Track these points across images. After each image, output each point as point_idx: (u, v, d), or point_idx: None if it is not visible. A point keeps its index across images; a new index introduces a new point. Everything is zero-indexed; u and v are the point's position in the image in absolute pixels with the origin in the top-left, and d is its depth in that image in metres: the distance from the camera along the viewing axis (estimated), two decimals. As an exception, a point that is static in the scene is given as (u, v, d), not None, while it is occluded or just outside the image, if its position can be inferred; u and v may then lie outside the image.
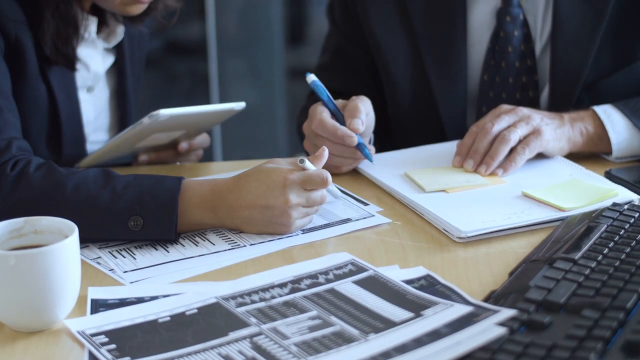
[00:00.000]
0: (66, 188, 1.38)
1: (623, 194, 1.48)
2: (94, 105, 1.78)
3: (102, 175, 1.41)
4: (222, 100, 3.90)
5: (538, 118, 1.62)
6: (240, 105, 1.69)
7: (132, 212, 1.37)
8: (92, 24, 1.68)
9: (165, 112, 1.56)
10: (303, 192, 1.40)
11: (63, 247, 1.15)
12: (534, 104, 1.84)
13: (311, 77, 1.64)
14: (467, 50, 1.85)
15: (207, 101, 3.76)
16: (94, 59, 1.73)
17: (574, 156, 1.67)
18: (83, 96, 1.74)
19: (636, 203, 1.46)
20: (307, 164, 1.42)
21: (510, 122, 1.61)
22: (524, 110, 1.63)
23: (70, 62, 1.65)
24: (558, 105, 1.78)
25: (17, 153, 1.45)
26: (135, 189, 1.39)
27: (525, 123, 1.60)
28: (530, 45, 1.82)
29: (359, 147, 1.59)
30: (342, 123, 1.60)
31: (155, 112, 1.56)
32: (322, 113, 1.59)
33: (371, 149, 1.64)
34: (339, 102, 1.64)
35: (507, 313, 1.09)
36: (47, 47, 1.60)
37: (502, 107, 1.65)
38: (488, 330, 1.07)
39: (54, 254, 1.14)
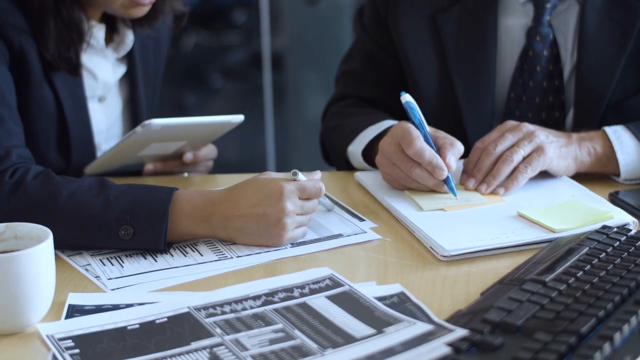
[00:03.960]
0: (60, 196, 1.42)
1: (619, 217, 1.46)
2: (106, 115, 1.83)
3: (97, 184, 1.45)
4: (293, 112, 3.96)
5: (543, 135, 1.60)
6: (238, 118, 1.71)
7: (123, 221, 1.40)
8: (100, 31, 1.73)
9: (158, 121, 1.60)
10: (298, 201, 1.42)
11: (35, 252, 1.19)
12: (559, 124, 1.82)
13: (406, 98, 1.62)
14: (496, 67, 1.83)
15: (275, 112, 3.83)
16: (103, 69, 1.78)
17: (584, 177, 1.65)
18: (94, 106, 1.79)
19: (630, 227, 1.43)
20: (300, 175, 1.44)
21: (514, 140, 1.60)
22: (529, 127, 1.61)
23: (72, 67, 1.69)
24: (582, 125, 1.76)
25: (17, 161, 1.50)
26: (127, 198, 1.42)
27: (528, 141, 1.59)
28: (559, 66, 1.80)
29: (445, 180, 1.56)
30: (432, 148, 1.57)
31: (147, 121, 1.60)
32: (419, 138, 1.56)
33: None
34: (429, 130, 1.62)
35: (459, 333, 1.09)
36: (49, 52, 1.65)
37: (507, 124, 1.63)
38: (435, 349, 1.07)
39: (26, 259, 1.18)
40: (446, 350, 1.05)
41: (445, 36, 1.83)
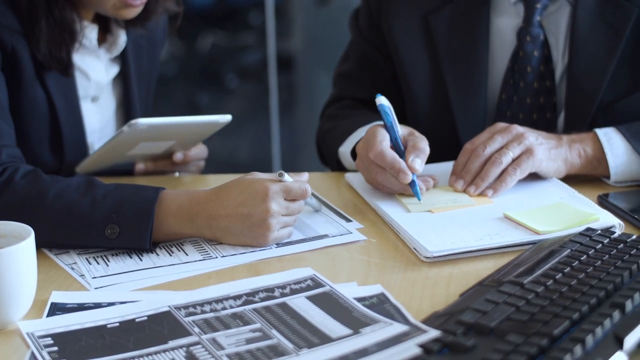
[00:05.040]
0: (48, 195, 1.44)
1: (605, 219, 1.45)
2: (100, 115, 1.84)
3: (85, 183, 1.46)
4: (304, 113, 3.97)
5: (532, 137, 1.60)
6: (225, 118, 1.72)
7: (109, 220, 1.41)
8: (92, 31, 1.74)
9: (144, 121, 1.61)
10: (283, 202, 1.43)
11: (16, 250, 1.20)
12: (551, 125, 1.81)
13: (380, 100, 1.62)
14: (488, 68, 1.83)
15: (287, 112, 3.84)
16: (95, 69, 1.79)
17: (576, 179, 1.64)
18: (87, 106, 1.81)
19: (615, 229, 1.43)
20: (286, 177, 1.44)
21: (504, 142, 1.59)
22: (519, 129, 1.61)
23: (64, 66, 1.71)
24: (573, 126, 1.76)
25: (6, 160, 1.52)
26: (114, 197, 1.43)
27: (517, 143, 1.59)
28: (550, 67, 1.80)
29: (410, 184, 1.56)
30: (401, 151, 1.58)
31: (134, 120, 1.61)
32: (382, 142, 1.56)
33: (422, 187, 1.59)
34: (402, 130, 1.62)
35: (432, 334, 1.09)
36: (40, 52, 1.66)
37: (497, 125, 1.63)
38: (406, 350, 1.07)
39: (6, 257, 1.19)
40: (418, 350, 1.06)
41: (438, 36, 1.83)
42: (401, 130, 1.61)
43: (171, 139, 1.76)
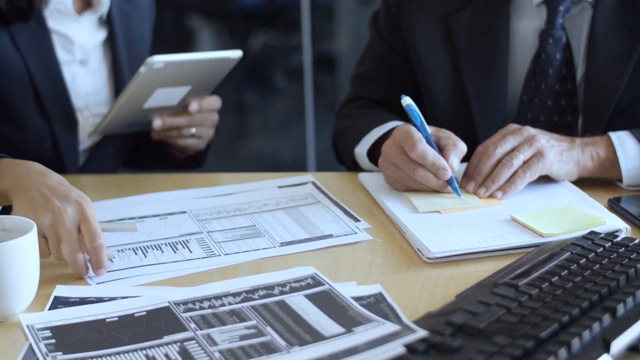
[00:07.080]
0: None
1: (611, 223, 1.44)
2: (92, 79, 1.87)
3: None
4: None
5: (544, 140, 1.59)
6: (236, 53, 1.76)
7: None
8: None
9: (160, 58, 1.65)
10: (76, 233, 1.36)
11: (18, 244, 1.22)
12: (572, 127, 1.80)
13: (406, 101, 1.63)
14: (508, 70, 1.83)
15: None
16: (77, 32, 1.83)
17: (591, 182, 1.63)
18: (77, 69, 1.85)
19: (621, 233, 1.41)
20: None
21: (515, 143, 1.59)
22: (531, 131, 1.60)
23: (24, 15, 1.73)
24: (590, 129, 1.74)
25: None
26: None
27: (528, 145, 1.58)
28: (572, 69, 1.79)
29: (449, 180, 1.57)
30: (434, 149, 1.59)
31: (149, 58, 1.64)
32: (422, 140, 1.57)
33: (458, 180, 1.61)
34: (432, 130, 1.63)
35: (420, 334, 1.09)
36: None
37: (509, 127, 1.63)
38: (392, 349, 1.08)
39: (9, 250, 1.21)
40: (399, 350, 1.06)
41: (458, 38, 1.83)
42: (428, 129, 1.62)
43: (187, 82, 1.78)
